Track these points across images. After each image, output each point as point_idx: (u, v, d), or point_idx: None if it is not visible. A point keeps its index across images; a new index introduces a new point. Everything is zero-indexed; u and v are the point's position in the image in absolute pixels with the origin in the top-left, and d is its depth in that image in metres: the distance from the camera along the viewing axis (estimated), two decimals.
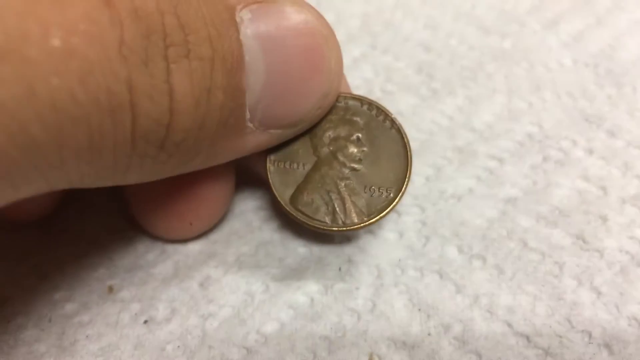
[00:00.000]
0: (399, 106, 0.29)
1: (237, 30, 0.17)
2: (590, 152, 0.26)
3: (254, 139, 0.19)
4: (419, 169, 0.26)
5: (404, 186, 0.21)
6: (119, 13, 0.14)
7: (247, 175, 0.25)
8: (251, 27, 0.17)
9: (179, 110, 0.16)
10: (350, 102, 0.21)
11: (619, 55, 0.31)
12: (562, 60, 0.31)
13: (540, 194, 0.25)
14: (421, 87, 0.30)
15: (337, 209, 0.21)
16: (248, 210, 0.25)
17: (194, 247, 0.23)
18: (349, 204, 0.21)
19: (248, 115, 0.18)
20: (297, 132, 0.20)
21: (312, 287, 0.22)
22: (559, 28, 0.33)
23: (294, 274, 0.23)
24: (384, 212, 0.21)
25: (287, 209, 0.21)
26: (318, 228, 0.21)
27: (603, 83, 0.29)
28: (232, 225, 0.24)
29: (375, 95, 0.30)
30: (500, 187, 0.25)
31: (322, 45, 0.19)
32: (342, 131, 0.21)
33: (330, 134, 0.21)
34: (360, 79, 0.30)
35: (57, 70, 0.13)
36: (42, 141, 0.13)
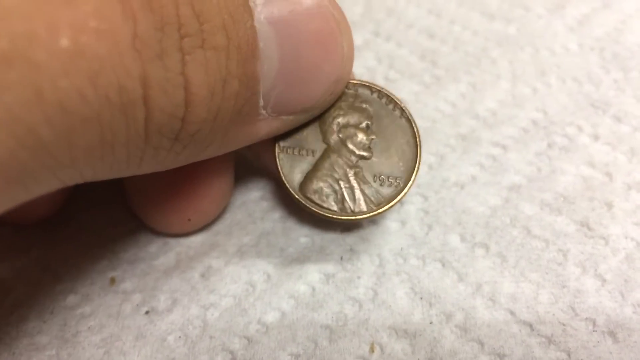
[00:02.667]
0: (402, 94, 0.29)
1: (252, 16, 0.17)
2: (595, 137, 0.26)
3: (267, 126, 0.19)
4: (423, 157, 0.25)
5: (414, 175, 0.21)
6: (131, 6, 0.13)
7: (248, 165, 0.25)
8: (265, 12, 0.17)
9: (195, 101, 0.15)
10: (360, 89, 0.21)
11: (626, 38, 0.30)
12: (568, 45, 0.30)
13: (545, 180, 0.24)
14: (424, 74, 0.30)
15: (347, 197, 0.21)
16: (250, 201, 0.24)
17: (195, 238, 0.23)
18: (358, 193, 0.21)
19: (262, 103, 0.18)
20: (309, 118, 0.20)
21: (313, 277, 0.22)
22: (565, 12, 0.32)
23: (296, 263, 0.22)
24: (393, 202, 0.21)
25: (297, 196, 0.21)
26: (327, 216, 0.21)
27: (609, 67, 0.29)
28: (234, 216, 0.24)
29: (379, 83, 0.29)
30: (504, 175, 0.25)
31: (334, 29, 0.18)
32: (352, 119, 0.21)
33: (339, 121, 0.21)
34: (363, 66, 0.30)
35: (66, 71, 0.12)
36: (51, 142, 0.13)
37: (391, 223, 0.24)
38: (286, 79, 0.18)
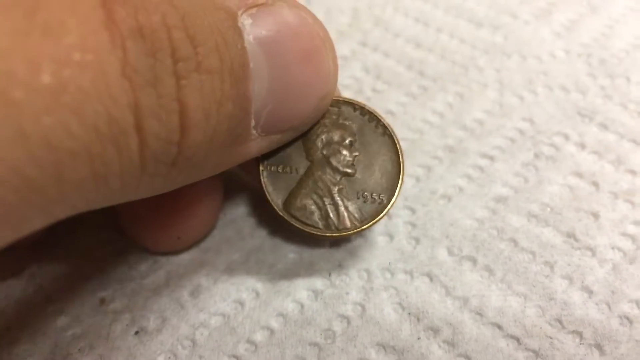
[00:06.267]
0: (389, 105, 0.29)
1: (242, 37, 0.17)
2: (582, 146, 0.26)
3: (257, 145, 0.19)
4: (410, 170, 0.26)
5: (397, 193, 0.21)
6: (120, 34, 0.13)
7: (236, 180, 0.25)
8: (253, 32, 0.17)
9: (190, 126, 0.15)
10: (343, 107, 0.21)
11: (613, 44, 0.31)
12: (555, 52, 0.31)
13: (531, 191, 0.24)
14: (412, 85, 0.30)
15: (331, 214, 0.21)
16: (239, 217, 0.25)
17: (185, 256, 0.23)
18: (342, 210, 0.21)
19: (253, 123, 0.18)
20: (296, 136, 0.20)
21: (302, 294, 0.22)
22: (552, 18, 0.33)
23: (284, 280, 0.23)
24: (377, 218, 0.21)
25: (281, 214, 0.21)
26: (311, 233, 0.21)
27: (596, 74, 0.29)
28: (223, 232, 0.24)
29: (366, 94, 0.29)
30: (491, 186, 0.25)
31: (320, 47, 0.19)
32: (335, 135, 0.21)
33: (323, 138, 0.21)
34: (350, 77, 0.30)
35: (48, 107, 0.12)
36: (39, 180, 0.12)
37: (379, 237, 0.24)
38: (276, 98, 0.18)
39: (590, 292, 0.21)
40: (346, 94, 0.28)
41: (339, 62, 0.28)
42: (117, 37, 0.13)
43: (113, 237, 0.24)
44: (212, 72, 0.15)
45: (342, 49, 0.32)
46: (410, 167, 0.26)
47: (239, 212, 0.25)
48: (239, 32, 0.17)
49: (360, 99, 0.26)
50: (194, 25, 0.15)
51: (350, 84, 0.30)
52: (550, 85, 0.29)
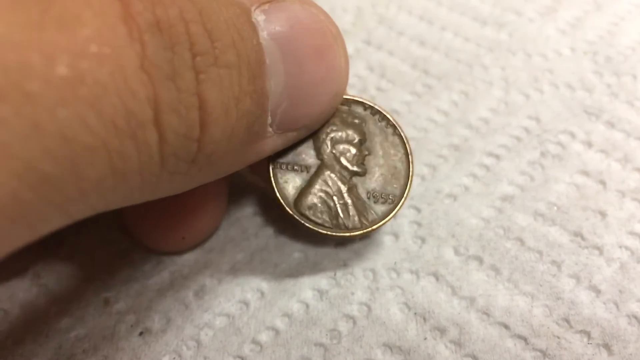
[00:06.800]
0: (393, 104, 0.28)
1: (257, 33, 0.17)
2: (589, 145, 0.26)
3: (272, 143, 0.19)
4: (415, 169, 0.25)
5: (406, 193, 0.21)
6: (138, 27, 0.13)
7: (241, 180, 0.25)
8: (267, 28, 0.17)
9: (210, 121, 0.15)
10: (353, 106, 0.21)
11: (619, 41, 0.30)
12: (561, 50, 0.30)
13: (538, 190, 0.24)
14: (416, 83, 0.29)
15: (341, 213, 0.21)
16: (243, 217, 0.24)
17: (189, 256, 0.23)
18: (352, 209, 0.21)
19: (269, 120, 0.18)
20: (308, 134, 0.20)
21: (307, 294, 0.22)
22: (557, 15, 0.32)
23: (289, 279, 0.22)
24: (387, 219, 0.21)
25: (291, 212, 0.20)
26: (321, 232, 0.21)
27: (602, 72, 0.29)
28: (228, 232, 0.24)
29: (370, 93, 0.29)
30: (497, 185, 0.25)
31: (332, 44, 0.19)
32: (345, 135, 0.21)
33: (333, 136, 0.21)
34: (355, 76, 0.30)
35: (64, 100, 0.12)
36: (56, 177, 0.12)
37: (385, 237, 0.23)
38: (291, 95, 0.18)
39: (597, 292, 0.21)
40: (351, 92, 0.28)
41: None
42: (134, 30, 0.13)
43: (117, 237, 0.24)
44: (230, 66, 0.15)
45: (347, 47, 0.31)
46: (416, 166, 0.25)
47: (244, 212, 0.25)
48: (253, 28, 0.17)
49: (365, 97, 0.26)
50: (210, 20, 0.15)
51: (355, 83, 0.30)
52: (556, 83, 0.29)
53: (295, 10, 0.18)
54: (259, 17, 0.17)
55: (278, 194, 0.21)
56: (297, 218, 0.20)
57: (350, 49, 0.31)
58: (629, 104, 0.27)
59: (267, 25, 0.17)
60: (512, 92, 0.28)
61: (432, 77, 0.30)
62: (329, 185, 0.21)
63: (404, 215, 0.24)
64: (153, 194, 0.16)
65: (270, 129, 0.18)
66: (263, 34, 0.17)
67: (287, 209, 0.21)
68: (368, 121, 0.21)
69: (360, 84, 0.30)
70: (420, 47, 0.31)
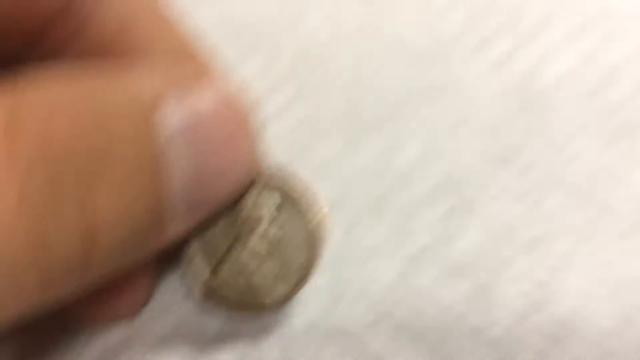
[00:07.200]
0: (320, 156, 0.29)
1: (158, 128, 0.16)
2: (502, 191, 0.26)
3: (179, 228, 0.19)
4: (333, 224, 0.26)
5: (315, 265, 0.21)
6: (19, 167, 0.13)
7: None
8: (173, 121, 0.17)
9: (102, 232, 0.15)
10: (270, 176, 0.21)
11: (545, 76, 0.31)
12: (487, 88, 0.31)
13: (448, 243, 0.25)
14: (346, 132, 0.30)
15: (254, 288, 0.21)
16: (169, 287, 0.26)
17: (116, 330, 0.24)
18: (266, 283, 0.21)
19: (173, 211, 0.18)
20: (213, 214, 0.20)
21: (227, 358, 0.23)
22: (487, 51, 0.33)
23: (213, 346, 0.24)
24: (299, 290, 0.21)
25: (203, 291, 0.21)
26: (234, 309, 0.21)
27: (526, 110, 0.29)
28: (155, 303, 0.25)
29: (298, 145, 0.30)
30: (410, 240, 0.26)
31: (243, 128, 0.19)
32: (260, 209, 0.21)
33: (247, 209, 0.21)
34: (284, 128, 0.31)
35: None
36: None
37: (300, 296, 0.24)
38: (198, 185, 0.18)
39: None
40: (278, 148, 0.29)
41: (274, 111, 0.29)
42: (16, 171, 0.13)
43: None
44: (124, 175, 0.15)
45: (277, 98, 0.32)
46: (333, 221, 0.26)
47: (169, 282, 0.26)
48: (154, 123, 0.16)
49: (292, 151, 0.27)
50: (102, 132, 0.15)
51: (284, 135, 0.30)
52: (475, 128, 0.29)
53: (203, 98, 0.17)
54: (163, 109, 0.16)
55: (191, 272, 0.21)
56: (208, 297, 0.21)
57: (280, 100, 0.32)
58: (545, 145, 0.28)
59: (172, 117, 0.17)
60: (433, 140, 0.29)
61: (360, 124, 0.30)
62: (242, 259, 0.21)
63: (320, 274, 0.25)
64: (52, 303, 0.16)
65: (173, 220, 0.18)
66: (168, 127, 0.16)
67: (197, 290, 0.21)
68: (283, 194, 0.21)
69: (290, 137, 0.30)
70: (352, 91, 0.32)
